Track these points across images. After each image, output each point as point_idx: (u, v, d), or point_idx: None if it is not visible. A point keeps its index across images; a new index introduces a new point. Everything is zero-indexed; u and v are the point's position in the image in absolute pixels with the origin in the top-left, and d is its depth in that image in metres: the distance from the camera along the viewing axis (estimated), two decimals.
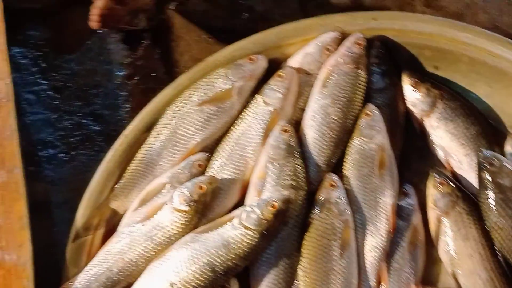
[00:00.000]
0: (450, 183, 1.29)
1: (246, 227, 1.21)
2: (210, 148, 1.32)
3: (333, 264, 1.23)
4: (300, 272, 1.24)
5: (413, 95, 1.33)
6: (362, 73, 1.32)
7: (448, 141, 1.32)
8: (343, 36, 1.34)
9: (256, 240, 1.21)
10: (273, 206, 1.21)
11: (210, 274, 1.20)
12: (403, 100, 1.34)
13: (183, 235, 1.23)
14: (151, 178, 1.30)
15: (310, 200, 1.27)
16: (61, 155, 1.42)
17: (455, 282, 1.28)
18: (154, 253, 1.23)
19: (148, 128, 1.32)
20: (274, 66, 1.35)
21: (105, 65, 1.48)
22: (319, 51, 1.34)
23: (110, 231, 1.28)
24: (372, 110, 1.30)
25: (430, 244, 1.29)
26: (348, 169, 1.29)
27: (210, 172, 1.30)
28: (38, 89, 1.46)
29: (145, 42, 1.49)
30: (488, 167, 1.26)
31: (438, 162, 1.34)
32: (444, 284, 1.30)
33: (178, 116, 1.31)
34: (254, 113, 1.31)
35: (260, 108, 1.31)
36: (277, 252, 1.24)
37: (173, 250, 1.22)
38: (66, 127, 1.43)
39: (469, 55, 1.34)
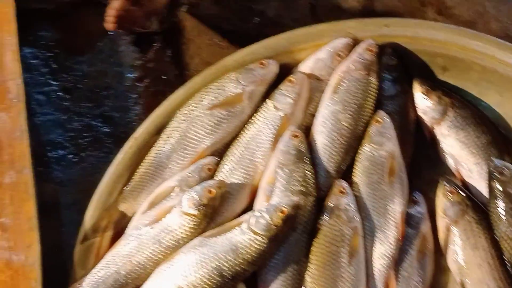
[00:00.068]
0: (460, 191, 1.29)
1: (254, 232, 1.21)
2: (220, 152, 1.32)
3: (341, 271, 1.23)
4: (308, 278, 1.24)
5: (424, 103, 1.33)
6: (373, 79, 1.32)
7: (458, 150, 1.32)
8: (355, 43, 1.34)
9: (265, 245, 1.20)
10: (282, 212, 1.21)
11: (218, 278, 1.20)
12: (414, 107, 1.34)
13: (191, 239, 1.23)
14: (160, 181, 1.30)
15: (319, 206, 1.27)
16: (70, 156, 1.42)
17: None
18: (162, 256, 1.23)
19: (158, 131, 1.32)
20: (285, 71, 1.35)
21: (115, 67, 1.48)
22: (330, 57, 1.33)
23: (118, 233, 1.28)
24: (382, 117, 1.30)
25: (439, 253, 1.29)
26: (358, 176, 1.29)
27: (219, 176, 1.29)
28: (48, 89, 1.46)
29: (156, 44, 1.49)
30: (499, 176, 1.26)
31: (448, 170, 1.33)
32: None
33: (188, 120, 1.31)
34: (264, 118, 1.31)
35: (271, 113, 1.31)
36: (285, 258, 1.24)
37: (181, 253, 1.22)
38: (76, 128, 1.43)
39: (480, 64, 1.33)
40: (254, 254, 1.20)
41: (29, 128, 1.31)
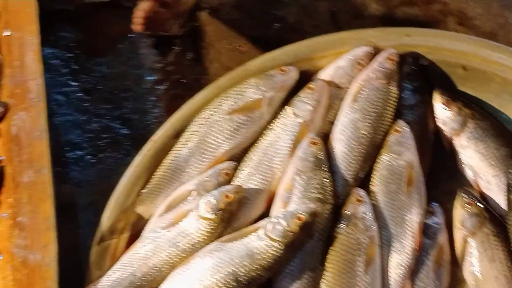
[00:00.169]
0: (478, 203, 1.28)
1: (271, 238, 1.20)
2: (238, 157, 1.32)
3: (357, 280, 1.22)
4: (323, 286, 1.23)
5: (444, 113, 1.33)
6: (394, 89, 1.32)
7: (477, 161, 1.31)
8: (376, 51, 1.34)
9: (281, 251, 1.20)
10: (299, 219, 1.21)
11: (234, 283, 1.19)
12: (433, 118, 1.34)
13: (207, 243, 1.23)
14: (178, 184, 1.30)
15: (336, 214, 1.27)
16: (88, 157, 1.42)
17: None
18: (178, 260, 1.23)
19: (177, 134, 1.32)
20: (305, 78, 1.35)
21: (135, 70, 1.49)
22: (351, 65, 1.34)
23: (134, 235, 1.28)
24: (402, 126, 1.30)
25: (455, 264, 1.28)
26: (376, 184, 1.29)
27: (236, 181, 1.29)
28: (68, 90, 1.47)
29: (176, 48, 1.50)
30: None
31: (467, 182, 1.33)
32: None
33: (207, 124, 1.31)
34: (283, 124, 1.31)
35: (290, 120, 1.31)
36: (301, 265, 1.24)
37: (197, 257, 1.22)
38: (94, 130, 1.44)
39: (501, 76, 1.33)
40: (270, 260, 1.20)
41: (48, 128, 1.31)
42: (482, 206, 1.28)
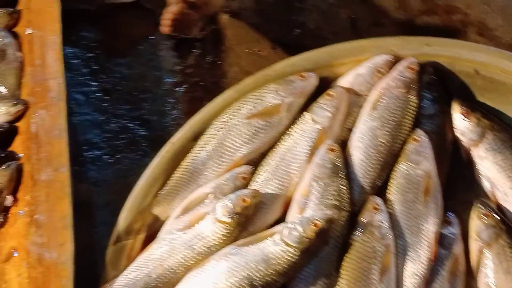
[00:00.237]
0: (495, 215, 1.28)
1: (287, 244, 1.21)
2: (255, 161, 1.32)
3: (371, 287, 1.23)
4: None
5: (462, 124, 1.32)
6: (413, 98, 1.32)
7: (495, 173, 1.31)
8: (396, 60, 1.34)
9: (296, 257, 1.20)
10: (315, 225, 1.21)
11: None
12: (452, 128, 1.34)
13: (223, 247, 1.23)
14: (195, 187, 1.31)
15: (352, 222, 1.27)
16: (106, 157, 1.43)
17: None
18: (193, 262, 1.23)
19: (196, 137, 1.32)
20: (324, 84, 1.35)
21: (155, 71, 1.50)
22: (370, 73, 1.34)
23: (150, 236, 1.29)
24: (420, 135, 1.30)
25: (470, 275, 1.28)
26: (393, 193, 1.28)
27: (253, 185, 1.30)
28: (87, 90, 1.48)
29: (195, 51, 1.50)
30: None
31: (483, 193, 1.32)
32: None
33: (225, 128, 1.32)
34: (301, 130, 1.31)
35: (308, 126, 1.31)
36: (316, 271, 1.23)
37: (212, 261, 1.22)
38: (113, 130, 1.45)
39: None
40: (285, 266, 1.20)
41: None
42: (498, 217, 1.28)
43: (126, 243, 1.28)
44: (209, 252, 1.23)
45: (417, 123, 1.32)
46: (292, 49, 1.42)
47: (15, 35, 1.40)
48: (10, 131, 1.33)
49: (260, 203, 1.27)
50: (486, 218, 1.28)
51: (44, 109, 1.31)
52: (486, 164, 1.32)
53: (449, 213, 1.30)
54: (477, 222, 1.28)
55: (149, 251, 1.25)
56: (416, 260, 1.25)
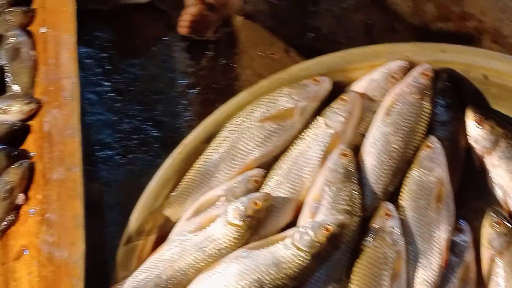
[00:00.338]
0: (507, 223, 1.27)
1: (298, 248, 1.20)
2: (267, 165, 1.32)
3: None
4: None
5: (476, 131, 1.32)
6: (427, 104, 1.32)
7: (507, 181, 1.30)
8: (410, 66, 1.34)
9: (307, 261, 1.20)
10: (327, 230, 1.21)
11: None
12: (465, 135, 1.33)
13: (234, 249, 1.23)
14: (207, 189, 1.30)
15: (364, 227, 1.27)
16: (118, 157, 1.43)
17: None
18: (204, 264, 1.23)
19: (208, 139, 1.32)
20: (338, 89, 1.35)
21: (168, 72, 1.50)
22: (385, 79, 1.33)
23: (161, 238, 1.28)
24: (433, 142, 1.30)
25: (481, 284, 1.28)
26: (405, 199, 1.28)
27: (265, 189, 1.30)
28: (100, 90, 1.48)
29: (209, 53, 1.50)
30: None
31: (496, 201, 1.32)
32: None
33: (238, 130, 1.31)
34: (314, 134, 1.31)
35: (321, 130, 1.31)
36: (327, 276, 1.23)
37: (223, 263, 1.22)
38: (125, 130, 1.45)
39: None
40: (296, 270, 1.20)
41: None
42: (510, 226, 1.28)
43: (137, 243, 1.28)
44: (220, 255, 1.23)
45: (430, 130, 1.32)
46: (306, 53, 1.42)
47: (29, 34, 1.40)
48: (22, 130, 1.33)
49: (271, 206, 1.27)
50: (498, 226, 1.27)
51: (57, 108, 1.31)
52: (499, 172, 1.31)
53: (461, 221, 1.30)
54: (489, 230, 1.28)
55: (159, 252, 1.25)
56: (427, 267, 1.25)
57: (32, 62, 1.37)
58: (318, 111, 1.33)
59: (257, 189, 1.29)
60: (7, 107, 1.33)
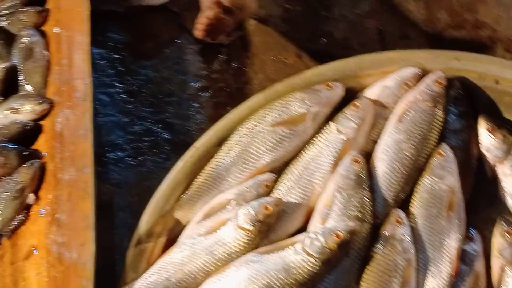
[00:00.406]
0: None
1: (308, 254, 1.20)
2: (278, 170, 1.32)
3: None
4: None
5: (488, 140, 1.32)
6: (440, 112, 1.32)
7: None
8: (424, 73, 1.34)
9: (317, 267, 1.20)
10: (337, 236, 1.21)
11: None
12: (477, 144, 1.33)
13: (244, 254, 1.23)
14: (217, 192, 1.30)
15: (374, 234, 1.26)
16: (129, 159, 1.43)
17: None
18: (213, 268, 1.23)
19: (220, 142, 1.32)
20: (350, 95, 1.35)
21: (180, 75, 1.50)
22: (398, 85, 1.33)
23: (171, 240, 1.28)
24: (445, 150, 1.29)
25: None
26: (416, 207, 1.28)
27: (276, 193, 1.29)
28: (112, 91, 1.48)
29: (222, 56, 1.50)
30: None
31: (507, 210, 1.31)
32: None
33: (250, 135, 1.31)
34: (326, 140, 1.31)
35: (333, 136, 1.31)
36: (336, 282, 1.23)
37: (232, 267, 1.22)
38: (136, 132, 1.45)
39: None
40: (305, 275, 1.20)
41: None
42: None
43: (147, 246, 1.28)
44: (230, 259, 1.23)
45: (442, 138, 1.32)
46: (318, 58, 1.42)
47: (43, 34, 1.40)
48: (34, 129, 1.33)
49: (282, 211, 1.27)
50: (508, 235, 1.27)
51: (70, 109, 1.31)
52: (511, 182, 1.31)
53: (472, 230, 1.29)
54: (500, 239, 1.27)
55: (169, 255, 1.25)
56: (437, 275, 1.25)
57: (45, 62, 1.37)
58: (331, 117, 1.33)
59: (267, 194, 1.29)
60: (20, 107, 1.33)
